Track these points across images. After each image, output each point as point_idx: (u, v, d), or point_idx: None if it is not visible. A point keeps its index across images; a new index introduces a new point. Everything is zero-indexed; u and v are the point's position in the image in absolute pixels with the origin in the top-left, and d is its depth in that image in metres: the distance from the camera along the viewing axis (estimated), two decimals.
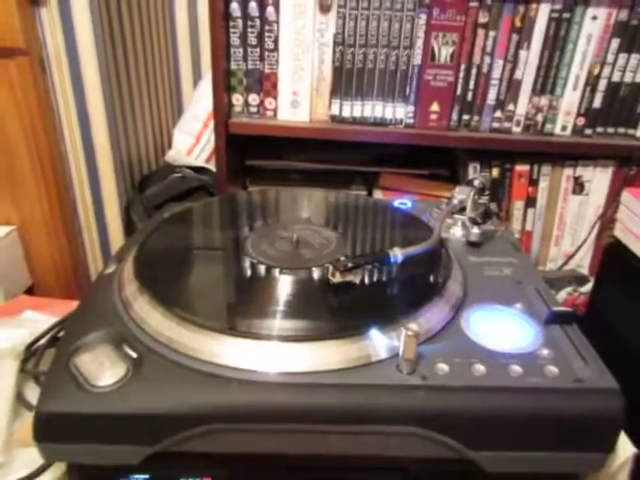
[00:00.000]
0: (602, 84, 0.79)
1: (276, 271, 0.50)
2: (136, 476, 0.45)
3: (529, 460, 0.41)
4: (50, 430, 0.39)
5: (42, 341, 0.61)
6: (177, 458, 0.43)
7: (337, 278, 0.46)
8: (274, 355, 0.41)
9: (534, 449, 0.41)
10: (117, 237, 0.97)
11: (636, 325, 0.51)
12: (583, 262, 0.88)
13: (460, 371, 0.41)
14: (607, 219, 0.82)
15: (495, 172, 0.85)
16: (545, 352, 0.43)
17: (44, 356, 0.60)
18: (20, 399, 0.54)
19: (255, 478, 0.45)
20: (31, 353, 0.60)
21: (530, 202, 0.86)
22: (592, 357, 0.43)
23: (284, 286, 0.49)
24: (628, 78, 0.79)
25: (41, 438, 0.39)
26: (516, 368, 0.41)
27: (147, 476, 0.45)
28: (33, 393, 0.55)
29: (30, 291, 0.92)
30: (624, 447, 0.44)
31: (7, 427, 0.50)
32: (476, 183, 0.62)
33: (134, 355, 0.42)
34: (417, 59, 0.78)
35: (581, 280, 0.78)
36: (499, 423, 0.40)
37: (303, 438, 0.40)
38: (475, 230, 0.59)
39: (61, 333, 0.62)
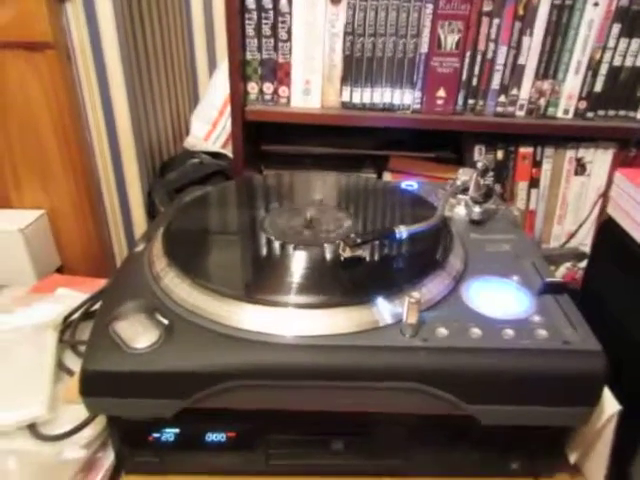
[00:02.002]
0: (603, 68, 0.82)
1: (292, 247, 0.55)
2: (168, 430, 0.50)
3: (520, 413, 0.46)
4: (94, 386, 0.45)
5: (77, 314, 0.67)
6: (205, 414, 0.48)
7: (347, 253, 0.51)
8: (291, 320, 0.45)
9: (525, 403, 0.45)
10: (140, 220, 1.02)
11: (626, 297, 0.55)
12: (585, 240, 0.91)
13: (458, 334, 0.45)
14: (607, 199, 0.86)
15: (500, 154, 0.88)
16: (537, 318, 0.48)
17: (79, 328, 0.65)
18: (60, 365, 0.60)
19: (274, 432, 0.50)
20: (67, 325, 0.66)
21: (533, 183, 0.90)
22: (580, 323, 0.48)
23: (299, 260, 0.53)
24: (629, 62, 0.81)
25: (87, 393, 0.45)
26: (509, 332, 0.46)
27: (178, 430, 0.50)
28: (71, 360, 0.61)
29: (59, 271, 0.97)
30: (610, 405, 0.48)
31: (51, 389, 0.55)
32: (479, 165, 0.66)
33: (165, 322, 0.47)
34: (424, 47, 0.81)
35: (581, 256, 0.81)
36: (493, 380, 0.44)
37: (317, 394, 0.45)
38: (477, 209, 0.63)
39: (94, 307, 0.68)
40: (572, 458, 0.53)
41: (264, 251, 0.55)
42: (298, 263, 0.53)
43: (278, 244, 0.56)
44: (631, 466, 0.51)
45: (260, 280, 0.51)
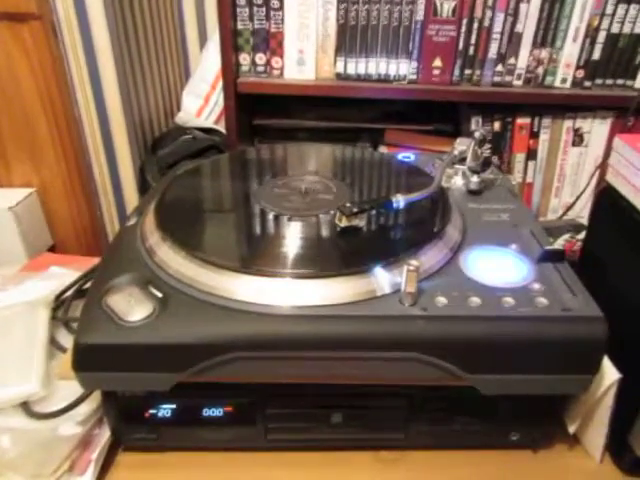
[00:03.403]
0: (601, 36, 0.80)
1: (287, 217, 0.54)
2: (165, 406, 0.50)
3: (520, 382, 0.45)
4: (88, 360, 0.44)
5: (69, 292, 0.66)
6: (202, 388, 0.47)
7: (344, 222, 0.50)
8: (288, 290, 0.45)
9: (525, 372, 0.45)
10: (132, 197, 1.00)
11: (626, 265, 0.54)
12: (583, 212, 0.91)
13: (457, 303, 0.45)
14: (605, 170, 0.85)
15: (497, 125, 0.87)
16: (536, 286, 0.47)
17: (72, 306, 0.64)
18: (53, 342, 0.59)
19: (272, 406, 0.50)
20: (60, 302, 0.65)
21: (531, 154, 0.89)
22: (580, 290, 0.47)
23: (295, 231, 0.52)
24: (627, 29, 0.80)
25: (80, 368, 0.44)
26: (509, 300, 0.45)
27: (175, 405, 0.50)
28: (64, 338, 0.60)
29: (51, 250, 0.96)
30: (609, 373, 0.48)
31: (45, 366, 0.54)
32: (476, 135, 0.65)
33: (159, 295, 0.46)
34: (420, 14, 0.79)
35: (579, 228, 0.81)
36: (493, 348, 0.44)
37: (315, 365, 0.44)
38: (475, 179, 0.62)
39: (87, 285, 0.67)
40: (571, 428, 0.53)
41: (259, 222, 0.54)
42: (294, 233, 0.52)
43: (273, 215, 0.54)
44: (630, 435, 0.51)
45: (256, 251, 0.50)
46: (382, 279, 0.46)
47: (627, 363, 0.48)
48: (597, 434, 0.51)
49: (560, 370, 0.45)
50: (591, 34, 0.80)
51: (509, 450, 0.53)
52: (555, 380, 0.45)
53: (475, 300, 0.45)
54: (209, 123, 1.07)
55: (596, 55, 0.82)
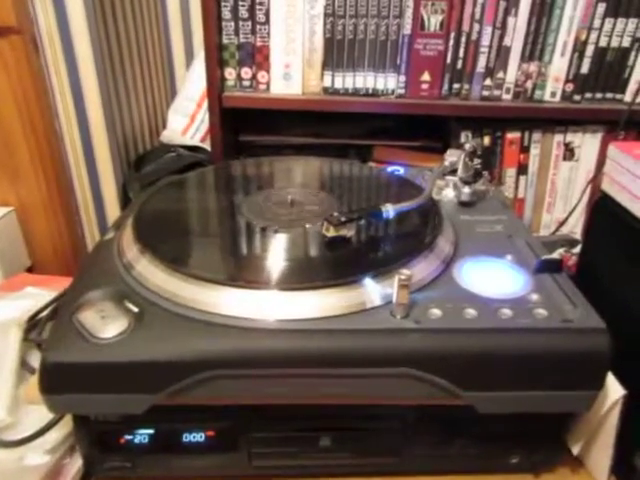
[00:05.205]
0: (589, 49, 0.80)
1: (272, 228, 0.51)
2: (141, 431, 0.46)
3: (520, 400, 0.43)
4: (57, 381, 0.41)
5: (44, 313, 0.62)
6: (181, 411, 0.44)
7: (331, 232, 0.48)
8: (272, 304, 0.42)
9: (525, 389, 0.42)
10: (114, 216, 0.97)
11: (626, 274, 0.52)
12: (576, 228, 0.89)
13: (452, 315, 0.42)
14: (597, 184, 0.83)
15: (486, 140, 0.86)
16: (534, 297, 0.45)
17: (47, 327, 0.61)
18: (24, 365, 0.56)
19: (256, 430, 0.47)
20: (34, 323, 0.61)
21: (522, 169, 0.87)
22: (580, 300, 0.45)
23: (281, 242, 0.50)
24: (615, 43, 0.79)
25: (48, 390, 0.41)
26: (506, 311, 0.43)
27: (152, 431, 0.46)
28: (36, 360, 0.57)
29: (29, 271, 0.93)
30: (614, 389, 0.46)
31: (13, 390, 0.51)
32: (467, 146, 0.63)
33: (135, 310, 0.43)
34: (407, 28, 0.78)
35: (573, 243, 0.79)
36: (490, 363, 0.41)
37: (301, 383, 0.42)
38: (466, 190, 0.60)
39: None
40: (575, 450, 0.50)
41: (243, 234, 0.52)
42: (279, 245, 0.50)
43: (258, 227, 0.52)
44: (637, 456, 0.48)
45: (239, 263, 0.48)
46: (372, 291, 0.43)
47: (632, 378, 0.45)
48: (602, 455, 0.49)
49: (561, 386, 0.42)
50: (579, 48, 0.80)
51: (509, 474, 0.50)
52: (556, 397, 0.43)
53: (471, 312, 0.43)
54: (195, 141, 1.05)
55: (585, 69, 0.81)
